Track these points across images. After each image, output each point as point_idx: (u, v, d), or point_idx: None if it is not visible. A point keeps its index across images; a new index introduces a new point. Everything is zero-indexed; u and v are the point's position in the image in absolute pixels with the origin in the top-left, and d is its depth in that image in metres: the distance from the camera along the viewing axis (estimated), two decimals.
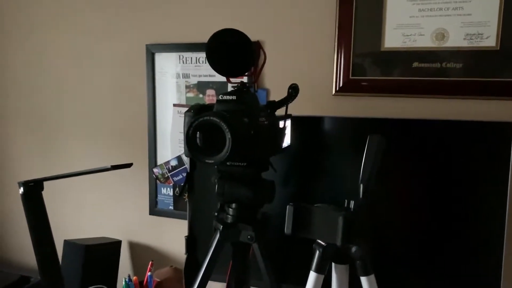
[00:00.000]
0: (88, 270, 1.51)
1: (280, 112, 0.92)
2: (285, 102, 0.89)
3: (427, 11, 1.25)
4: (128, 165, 1.04)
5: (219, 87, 1.51)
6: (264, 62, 0.88)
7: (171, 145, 1.60)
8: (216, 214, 0.93)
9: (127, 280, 1.34)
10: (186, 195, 1.58)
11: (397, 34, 1.29)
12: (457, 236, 1.08)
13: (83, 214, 1.78)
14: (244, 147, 0.76)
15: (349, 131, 1.15)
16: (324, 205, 0.73)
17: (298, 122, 1.07)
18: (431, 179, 1.09)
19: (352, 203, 0.71)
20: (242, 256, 0.94)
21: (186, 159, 1.58)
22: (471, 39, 1.23)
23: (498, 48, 1.20)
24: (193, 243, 0.96)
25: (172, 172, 1.62)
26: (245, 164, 0.85)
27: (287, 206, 0.71)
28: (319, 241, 0.75)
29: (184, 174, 1.59)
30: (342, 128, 1.17)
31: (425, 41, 1.27)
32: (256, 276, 0.92)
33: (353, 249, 0.73)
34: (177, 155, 1.60)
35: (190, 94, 1.56)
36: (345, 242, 0.69)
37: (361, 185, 0.74)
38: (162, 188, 1.64)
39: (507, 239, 1.05)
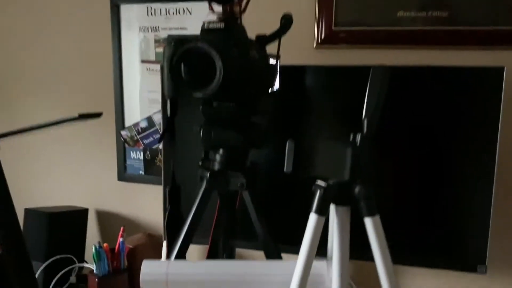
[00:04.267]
0: (52, 240, 1.40)
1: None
2: (277, 35, 0.81)
3: None
4: (98, 115, 0.93)
5: None
6: None
7: (140, 105, 1.50)
8: (200, 163, 0.85)
9: (97, 246, 1.24)
10: (158, 159, 1.49)
11: None
12: (446, 186, 1.05)
13: (44, 181, 1.65)
14: (235, 81, 0.68)
15: (334, 80, 1.09)
16: (325, 139, 0.66)
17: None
18: (421, 128, 1.05)
19: (358, 136, 0.64)
20: (230, 207, 0.87)
21: (157, 120, 1.49)
22: None
23: None
24: (176, 195, 0.88)
25: (142, 135, 1.51)
26: (233, 104, 0.77)
27: (287, 142, 0.64)
28: (319, 183, 0.69)
29: (156, 136, 1.50)
30: (326, 78, 1.10)
31: None
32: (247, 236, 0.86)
33: (357, 188, 0.67)
34: (146, 116, 1.49)
35: (160, 49, 1.45)
36: (353, 176, 0.62)
37: (365, 120, 0.68)
38: (132, 152, 1.53)
39: (496, 188, 1.03)
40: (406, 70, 1.07)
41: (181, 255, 0.82)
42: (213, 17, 1.37)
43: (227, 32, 0.72)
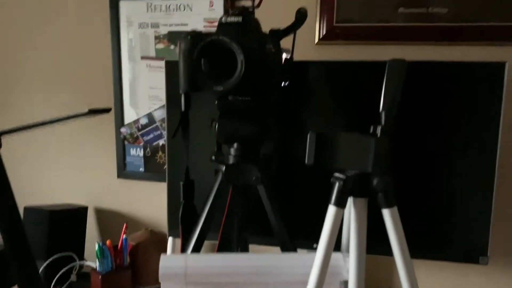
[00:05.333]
0: (52, 238, 1.38)
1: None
2: (292, 29, 0.82)
3: None
4: (107, 110, 0.93)
5: None
6: None
7: (140, 102, 1.49)
8: (213, 157, 0.86)
9: (101, 244, 1.24)
10: (158, 156, 1.49)
11: None
12: (448, 180, 1.07)
13: (43, 178, 1.63)
14: (254, 74, 0.68)
15: (337, 75, 1.10)
16: (346, 131, 0.67)
17: None
18: (423, 123, 1.07)
19: (379, 128, 0.65)
20: (243, 201, 0.87)
21: (157, 116, 1.48)
22: None
23: None
24: (190, 189, 0.88)
25: (142, 131, 1.51)
26: (249, 98, 0.77)
27: (309, 134, 0.65)
28: (338, 175, 0.70)
29: (156, 133, 1.49)
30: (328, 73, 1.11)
31: None
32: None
33: (375, 180, 0.68)
34: (147, 112, 1.49)
35: (160, 45, 1.45)
36: (376, 168, 0.63)
37: (383, 112, 0.69)
38: (131, 149, 1.52)
39: (497, 181, 1.05)
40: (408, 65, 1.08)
41: (197, 249, 0.82)
42: (214, 14, 1.38)
43: (245, 26, 0.72)
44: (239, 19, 0.72)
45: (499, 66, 1.03)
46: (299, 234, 1.06)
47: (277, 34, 0.80)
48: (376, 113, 0.72)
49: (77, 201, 1.57)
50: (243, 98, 0.77)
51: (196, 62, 0.68)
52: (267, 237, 1.00)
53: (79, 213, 1.49)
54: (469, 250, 1.09)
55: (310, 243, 1.13)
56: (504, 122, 1.03)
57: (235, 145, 0.83)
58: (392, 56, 1.24)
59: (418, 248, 1.11)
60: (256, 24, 0.78)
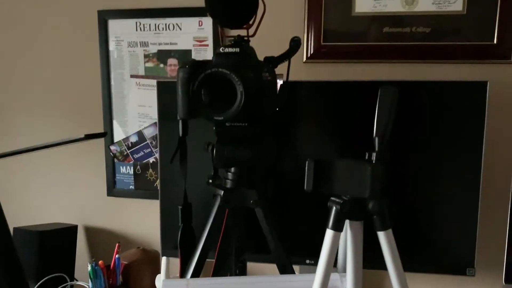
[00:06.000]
0: (43, 258, 1.37)
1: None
2: (286, 57, 0.84)
3: None
4: (103, 134, 0.94)
5: (182, 56, 1.43)
6: (264, 12, 0.81)
7: (130, 119, 1.49)
8: (210, 180, 0.87)
9: (93, 265, 1.23)
10: (149, 173, 1.50)
11: None
12: (432, 200, 1.10)
13: (31, 197, 1.62)
14: (252, 103, 0.71)
15: (325, 95, 1.13)
16: (343, 158, 0.70)
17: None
18: (407, 141, 1.10)
19: (373, 155, 0.68)
20: (241, 222, 0.88)
21: (147, 134, 1.49)
22: (439, 3, 1.25)
23: (465, 13, 1.24)
24: (188, 212, 0.89)
25: (132, 149, 1.51)
26: (246, 124, 0.79)
27: (307, 161, 0.67)
28: (335, 198, 0.72)
29: (146, 151, 1.50)
30: (316, 92, 1.14)
31: (395, 6, 1.27)
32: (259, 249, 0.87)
33: (371, 204, 0.71)
34: (137, 130, 1.49)
35: (150, 64, 1.46)
36: (373, 194, 0.66)
37: (376, 138, 0.72)
38: (121, 167, 1.53)
39: (482, 197, 1.09)
40: (394, 84, 1.12)
41: (197, 273, 0.83)
42: (203, 33, 1.40)
43: (243, 56, 0.75)
44: (237, 49, 0.75)
45: (481, 85, 1.08)
46: (292, 250, 1.08)
47: (272, 62, 0.82)
48: (367, 132, 0.74)
49: (66, 220, 1.57)
50: (241, 124, 0.79)
51: (196, 92, 0.69)
52: (264, 254, 1.02)
53: (69, 232, 1.48)
54: (456, 263, 1.12)
55: (303, 259, 1.15)
56: (487, 139, 1.08)
57: (233, 169, 0.85)
58: (377, 73, 1.28)
59: (408, 262, 1.15)
60: (253, 52, 0.81)
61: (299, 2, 1.30)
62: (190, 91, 0.70)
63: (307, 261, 1.15)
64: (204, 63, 0.76)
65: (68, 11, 1.48)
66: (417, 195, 1.11)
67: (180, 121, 0.83)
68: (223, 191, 0.83)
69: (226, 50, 0.75)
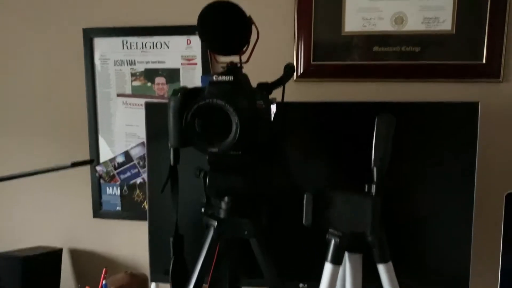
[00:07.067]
0: (27, 285, 1.32)
1: None
2: (280, 83, 0.82)
3: None
4: (89, 162, 0.91)
5: (169, 75, 1.40)
6: (257, 39, 0.80)
7: (117, 139, 1.46)
8: (203, 210, 0.85)
9: None
10: (136, 194, 1.46)
11: (357, 18, 1.28)
12: (425, 221, 1.09)
13: (14, 219, 1.56)
14: (248, 132, 0.69)
15: (318, 116, 1.11)
16: (341, 191, 0.68)
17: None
18: (398, 161, 1.09)
19: (373, 187, 0.67)
20: (232, 252, 0.86)
21: (134, 154, 1.46)
22: (429, 22, 1.25)
23: (454, 32, 1.24)
24: (180, 244, 0.86)
25: (119, 170, 1.47)
26: (240, 153, 0.77)
27: (305, 195, 0.65)
28: (333, 231, 0.70)
29: (133, 171, 1.46)
30: (309, 114, 1.13)
31: (384, 25, 1.27)
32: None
33: (370, 237, 0.69)
34: (123, 150, 1.46)
35: (137, 83, 1.43)
36: (374, 229, 0.64)
37: (375, 168, 0.70)
38: (107, 188, 1.49)
39: (475, 218, 1.08)
40: (386, 105, 1.11)
41: None
42: (192, 52, 1.38)
43: (237, 84, 0.73)
44: (230, 78, 0.72)
45: (473, 106, 1.08)
46: (285, 274, 1.06)
47: (266, 89, 0.80)
48: (362, 156, 0.73)
49: (50, 242, 1.52)
50: (234, 152, 0.77)
51: (189, 123, 0.67)
52: (257, 279, 0.99)
53: (54, 256, 1.44)
54: (451, 283, 1.11)
55: (296, 283, 1.13)
56: (480, 158, 1.07)
57: (226, 198, 0.83)
58: (367, 92, 1.28)
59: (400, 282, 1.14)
60: (246, 80, 0.79)
61: (289, 21, 1.29)
62: (183, 121, 0.68)
63: (301, 285, 1.12)
64: (197, 92, 0.74)
65: (53, 29, 1.44)
66: (410, 217, 1.10)
67: (172, 150, 0.80)
68: (216, 222, 0.81)
69: (220, 78, 0.73)
